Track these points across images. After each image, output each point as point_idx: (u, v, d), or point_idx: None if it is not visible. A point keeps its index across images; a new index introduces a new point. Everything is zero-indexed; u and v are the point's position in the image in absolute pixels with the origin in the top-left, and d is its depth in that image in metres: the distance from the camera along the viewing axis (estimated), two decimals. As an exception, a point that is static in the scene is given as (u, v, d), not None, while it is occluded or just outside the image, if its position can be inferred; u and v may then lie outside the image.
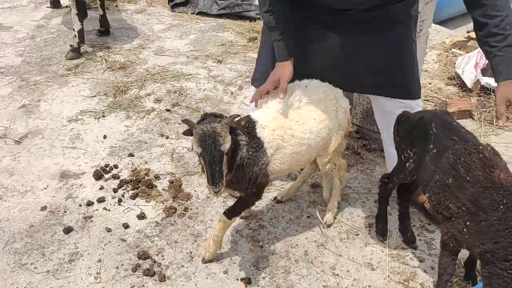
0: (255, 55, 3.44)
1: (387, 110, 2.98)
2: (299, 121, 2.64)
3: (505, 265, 2.04)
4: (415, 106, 2.96)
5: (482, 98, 4.56)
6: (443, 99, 4.53)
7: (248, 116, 2.61)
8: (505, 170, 2.18)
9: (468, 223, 2.17)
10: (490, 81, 4.64)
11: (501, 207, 2.07)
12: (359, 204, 3.39)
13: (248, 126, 2.53)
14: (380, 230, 3.08)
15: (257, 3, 7.24)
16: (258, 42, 5.81)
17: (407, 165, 2.61)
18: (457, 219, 2.24)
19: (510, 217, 2.05)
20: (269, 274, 2.81)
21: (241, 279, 2.77)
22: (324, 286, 2.75)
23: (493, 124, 4.26)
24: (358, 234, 3.14)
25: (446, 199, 2.29)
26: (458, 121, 4.21)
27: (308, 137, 2.65)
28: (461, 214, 2.21)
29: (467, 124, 4.26)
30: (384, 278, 2.80)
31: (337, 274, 2.83)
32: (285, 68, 2.65)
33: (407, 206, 3.00)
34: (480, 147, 2.29)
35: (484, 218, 2.11)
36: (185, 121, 2.32)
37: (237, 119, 2.51)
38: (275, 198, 3.35)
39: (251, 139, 2.51)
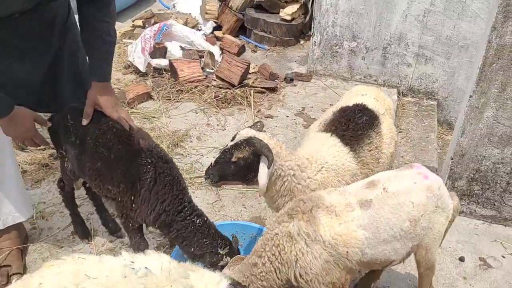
0: None
1: None
2: None
3: (181, 215, 2.22)
4: None
5: (157, 78, 4.86)
6: (121, 88, 4.63)
7: None
8: (141, 135, 2.33)
9: (132, 197, 2.24)
10: (159, 62, 4.98)
11: (150, 167, 2.21)
12: (57, 217, 3.18)
13: None
14: (81, 233, 2.97)
15: None
16: None
17: (65, 165, 2.53)
18: (123, 198, 2.28)
19: (163, 173, 2.22)
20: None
21: None
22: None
23: (171, 99, 4.59)
24: (62, 247, 2.95)
25: (104, 183, 2.31)
26: (141, 105, 4.49)
27: None
28: (123, 192, 2.27)
29: (149, 105, 4.49)
30: (96, 279, 2.72)
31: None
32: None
33: (98, 199, 2.95)
34: (111, 122, 2.34)
35: (142, 185, 2.21)
36: None
37: None
38: None
39: None
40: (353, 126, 2.56)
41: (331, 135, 2.56)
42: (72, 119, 2.39)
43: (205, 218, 2.30)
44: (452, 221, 2.35)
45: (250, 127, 2.37)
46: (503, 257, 3.09)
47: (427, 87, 4.78)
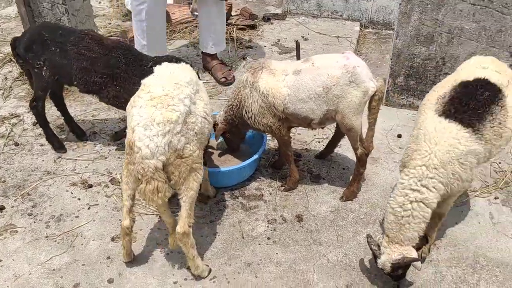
0: None
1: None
2: None
3: None
4: None
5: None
6: (125, 30, 5.40)
7: None
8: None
9: (115, 83, 3.13)
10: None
11: (121, 57, 3.12)
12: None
13: None
14: (57, 146, 3.60)
15: None
16: None
17: (43, 73, 3.19)
18: (107, 86, 3.16)
19: (130, 57, 3.13)
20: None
21: None
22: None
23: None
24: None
25: (91, 77, 3.14)
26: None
27: None
28: (107, 81, 3.14)
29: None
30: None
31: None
32: None
33: (64, 110, 3.67)
34: (85, 31, 3.24)
35: (121, 70, 3.12)
36: None
37: None
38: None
39: None
40: (474, 104, 2.45)
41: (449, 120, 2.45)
42: (47, 33, 3.14)
43: None
44: (379, 100, 2.89)
45: None
46: (433, 133, 3.92)
47: (385, 18, 5.57)
